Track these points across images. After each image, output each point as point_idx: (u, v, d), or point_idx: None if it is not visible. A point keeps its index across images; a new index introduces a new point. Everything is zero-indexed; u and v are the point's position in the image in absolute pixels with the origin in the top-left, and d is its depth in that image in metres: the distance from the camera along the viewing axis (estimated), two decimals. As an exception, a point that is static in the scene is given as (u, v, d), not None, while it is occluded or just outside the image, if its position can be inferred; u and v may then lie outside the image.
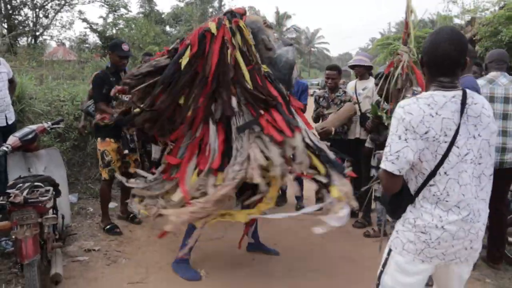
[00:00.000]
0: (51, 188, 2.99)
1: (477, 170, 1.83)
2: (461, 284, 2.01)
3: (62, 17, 22.28)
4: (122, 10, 20.33)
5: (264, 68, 3.29)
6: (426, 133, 1.76)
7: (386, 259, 1.99)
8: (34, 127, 3.60)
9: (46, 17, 20.57)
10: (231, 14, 3.30)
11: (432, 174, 1.80)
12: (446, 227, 1.80)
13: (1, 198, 2.68)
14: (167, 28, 28.64)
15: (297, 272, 3.61)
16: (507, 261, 3.83)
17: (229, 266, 3.63)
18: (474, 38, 9.13)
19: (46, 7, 20.22)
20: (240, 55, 3.19)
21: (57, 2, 20.22)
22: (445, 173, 1.79)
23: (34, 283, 2.61)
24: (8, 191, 2.76)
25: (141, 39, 16.29)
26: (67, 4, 20.35)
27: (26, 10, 19.63)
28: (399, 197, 1.91)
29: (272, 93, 3.18)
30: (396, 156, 1.78)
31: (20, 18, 19.51)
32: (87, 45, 21.13)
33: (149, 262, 3.68)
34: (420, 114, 1.76)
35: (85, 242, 3.98)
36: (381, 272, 2.02)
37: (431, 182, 1.82)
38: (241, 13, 3.36)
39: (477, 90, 3.19)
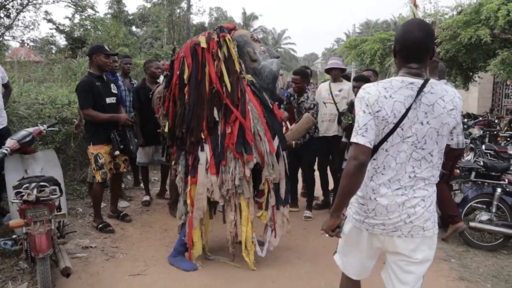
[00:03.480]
0: (57, 188, 3.14)
1: (419, 154, 1.95)
2: (417, 278, 2.03)
3: (25, 17, 21.67)
4: (90, 11, 19.96)
5: (249, 77, 3.58)
6: (378, 111, 1.92)
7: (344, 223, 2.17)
8: (31, 129, 3.70)
9: (8, 17, 19.91)
10: (220, 29, 3.58)
11: (375, 149, 1.97)
12: (378, 199, 1.99)
13: (15, 197, 2.83)
14: (133, 28, 28.26)
15: (284, 260, 3.92)
16: (470, 243, 4.30)
17: (221, 256, 3.87)
18: (435, 41, 9.66)
19: (7, 6, 19.58)
20: (224, 67, 3.48)
21: (19, 1, 19.63)
22: (386, 150, 1.97)
23: (47, 276, 2.78)
24: (18, 190, 2.91)
25: (110, 40, 16.05)
26: (30, 4, 19.80)
27: (-15, 10, 18.95)
28: None
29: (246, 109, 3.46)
30: (364, 129, 1.91)
31: (-21, 18, 18.83)
32: (52, 46, 20.60)
33: (146, 256, 3.88)
34: (376, 94, 1.93)
35: (80, 240, 4.12)
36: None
37: (374, 157, 2.00)
38: (230, 28, 3.66)
39: None
